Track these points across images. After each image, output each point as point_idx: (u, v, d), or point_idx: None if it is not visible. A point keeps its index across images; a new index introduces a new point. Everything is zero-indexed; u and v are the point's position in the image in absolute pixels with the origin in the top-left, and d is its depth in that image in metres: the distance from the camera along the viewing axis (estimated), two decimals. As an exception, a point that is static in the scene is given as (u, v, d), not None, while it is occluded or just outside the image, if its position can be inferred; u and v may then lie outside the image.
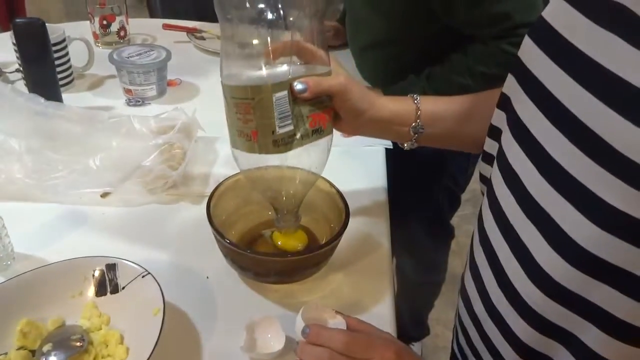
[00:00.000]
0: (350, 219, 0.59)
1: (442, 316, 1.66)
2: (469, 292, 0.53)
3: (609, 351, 0.38)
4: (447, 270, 1.42)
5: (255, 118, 0.52)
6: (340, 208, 0.61)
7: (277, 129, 0.52)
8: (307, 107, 0.54)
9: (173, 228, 0.69)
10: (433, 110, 0.62)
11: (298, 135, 0.53)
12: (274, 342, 0.52)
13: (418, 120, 0.61)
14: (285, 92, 0.52)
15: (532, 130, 0.41)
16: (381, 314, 0.58)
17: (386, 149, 0.90)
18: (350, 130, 0.62)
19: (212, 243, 0.59)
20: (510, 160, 0.44)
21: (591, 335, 0.39)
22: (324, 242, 0.57)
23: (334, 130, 0.60)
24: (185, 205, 0.73)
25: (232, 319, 0.56)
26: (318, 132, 0.56)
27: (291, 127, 0.53)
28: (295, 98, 0.53)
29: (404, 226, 1.30)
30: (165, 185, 0.73)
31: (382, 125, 0.62)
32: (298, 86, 0.53)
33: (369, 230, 0.71)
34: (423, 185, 1.15)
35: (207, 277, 0.61)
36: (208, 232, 0.58)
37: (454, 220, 1.29)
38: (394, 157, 0.92)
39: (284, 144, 0.53)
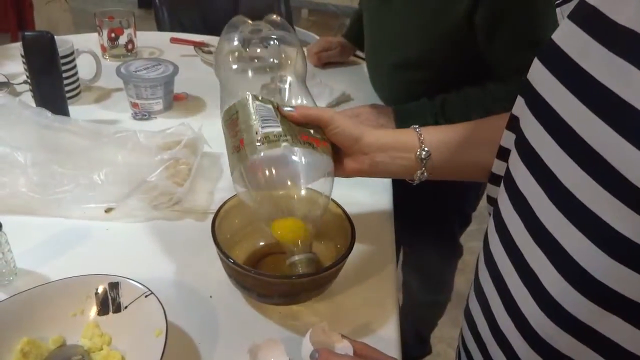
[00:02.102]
0: (355, 241, 0.58)
1: (444, 334, 1.64)
2: (473, 314, 0.52)
3: None
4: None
5: (240, 126, 0.55)
6: (347, 229, 0.61)
7: (260, 129, 0.54)
8: (298, 128, 0.57)
9: (177, 245, 0.68)
10: (437, 136, 0.62)
11: (287, 137, 0.54)
12: (278, 366, 0.51)
13: (423, 146, 0.60)
14: (269, 106, 0.57)
15: (542, 154, 0.41)
16: (386, 337, 0.58)
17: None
18: (359, 164, 0.61)
19: (216, 261, 0.59)
20: (519, 183, 0.44)
21: None
22: (329, 264, 0.56)
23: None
24: (190, 222, 0.72)
25: (235, 340, 0.55)
26: (311, 146, 0.56)
27: (277, 129, 0.54)
28: (285, 118, 0.56)
29: (414, 245, 1.29)
30: (170, 202, 0.73)
31: (387, 153, 0.61)
32: (286, 109, 0.57)
33: (374, 251, 0.70)
34: (435, 204, 1.14)
35: (210, 297, 0.61)
36: (212, 249, 0.57)
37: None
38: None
39: (268, 141, 0.53)
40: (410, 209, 1.09)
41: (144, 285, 0.53)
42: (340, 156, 0.61)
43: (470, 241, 1.72)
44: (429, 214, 1.15)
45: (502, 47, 0.86)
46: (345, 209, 0.63)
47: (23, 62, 0.92)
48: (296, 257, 0.55)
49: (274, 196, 0.56)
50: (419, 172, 0.61)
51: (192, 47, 1.28)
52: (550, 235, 0.39)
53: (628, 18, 0.34)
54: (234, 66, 0.65)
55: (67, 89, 0.93)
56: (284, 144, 0.54)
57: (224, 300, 0.60)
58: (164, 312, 0.51)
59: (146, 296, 0.53)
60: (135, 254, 0.66)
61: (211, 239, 0.57)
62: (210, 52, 1.26)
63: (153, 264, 0.64)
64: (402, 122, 0.94)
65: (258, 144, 0.53)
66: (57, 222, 0.70)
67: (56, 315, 0.52)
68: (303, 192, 0.56)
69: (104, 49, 1.19)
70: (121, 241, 0.68)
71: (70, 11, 3.33)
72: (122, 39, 1.19)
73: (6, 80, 1.00)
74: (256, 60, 0.65)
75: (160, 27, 1.68)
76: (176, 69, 0.98)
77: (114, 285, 0.54)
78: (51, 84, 0.86)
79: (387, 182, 0.85)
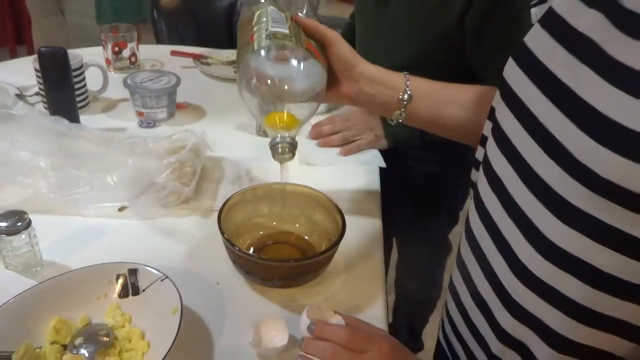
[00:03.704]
0: (346, 234, 0.65)
1: (435, 330, 1.71)
2: (456, 286, 0.60)
3: (573, 333, 0.45)
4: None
5: (253, 25, 0.61)
6: (338, 221, 0.68)
7: (269, 27, 0.60)
8: (305, 38, 0.62)
9: (185, 239, 0.75)
10: (422, 85, 0.68)
11: (293, 40, 0.60)
12: (278, 338, 0.58)
13: (407, 89, 0.66)
14: (283, 14, 0.63)
15: (513, 140, 0.48)
16: (374, 315, 0.65)
17: (385, 168, 0.97)
18: (349, 88, 0.67)
19: (221, 253, 0.66)
20: (494, 166, 0.51)
21: (558, 320, 0.45)
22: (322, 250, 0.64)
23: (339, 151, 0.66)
24: (196, 218, 0.79)
25: (240, 319, 0.62)
26: (312, 54, 0.61)
27: (285, 31, 0.60)
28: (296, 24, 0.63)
29: (406, 242, 1.36)
30: (177, 200, 0.80)
31: (374, 85, 0.67)
32: (300, 14, 0.63)
33: (363, 242, 0.77)
34: (425, 201, 1.20)
35: (217, 283, 0.68)
36: (217, 242, 0.65)
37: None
38: (396, 177, 0.99)
39: (276, 38, 0.59)
40: (402, 206, 1.17)
41: (159, 271, 0.61)
42: (333, 81, 0.66)
43: (458, 241, 1.80)
44: (420, 211, 1.22)
45: (486, 48, 0.89)
46: (338, 202, 0.70)
47: (37, 75, 1.00)
48: (278, 139, 0.59)
49: (271, 89, 0.60)
50: (397, 112, 0.68)
51: (191, 60, 1.35)
52: (520, 209, 0.47)
53: (586, 26, 0.42)
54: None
55: (77, 99, 1.01)
56: (289, 43, 0.59)
57: (229, 285, 0.67)
58: (179, 293, 0.58)
59: (162, 280, 0.60)
60: (147, 247, 0.73)
61: (216, 233, 0.64)
62: (208, 64, 1.34)
63: (164, 256, 0.71)
64: (388, 126, 1.01)
65: (265, 38, 0.59)
66: (75, 220, 0.76)
67: (82, 298, 0.59)
68: (297, 89, 0.61)
69: (108, 62, 1.26)
70: (134, 236, 0.75)
71: (67, 25, 3.39)
72: (126, 52, 1.26)
73: (19, 92, 1.07)
74: None
75: (159, 40, 1.76)
76: (178, 80, 1.06)
77: (133, 272, 0.61)
78: (64, 95, 0.93)
79: (376, 180, 0.93)
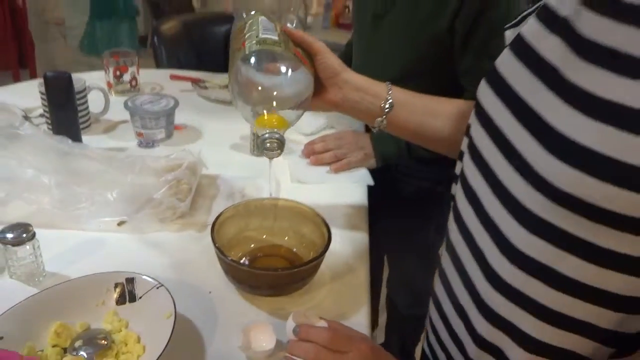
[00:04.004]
0: (334, 247, 0.69)
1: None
2: (438, 295, 0.64)
3: (544, 335, 0.49)
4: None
5: (245, 33, 0.65)
6: (324, 233, 0.72)
7: (260, 34, 0.64)
8: (293, 46, 0.67)
9: (180, 252, 0.79)
10: (403, 96, 0.72)
11: (282, 46, 0.64)
12: (266, 343, 0.62)
13: (389, 98, 0.70)
14: (272, 23, 0.67)
15: (485, 155, 0.53)
16: (359, 322, 0.69)
17: (375, 185, 1.02)
18: (334, 95, 0.71)
19: (214, 264, 0.70)
20: (470, 180, 0.56)
21: (529, 323, 0.49)
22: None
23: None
24: (191, 233, 0.84)
25: (231, 325, 0.66)
26: (299, 61, 0.65)
27: (274, 38, 0.64)
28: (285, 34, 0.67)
29: (397, 260, 1.40)
30: (173, 215, 0.84)
31: (358, 93, 0.71)
32: (289, 25, 0.68)
33: (349, 255, 0.81)
34: (414, 219, 1.24)
35: (210, 292, 0.71)
36: (210, 255, 0.69)
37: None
38: (386, 193, 1.03)
39: (265, 44, 0.63)
40: (392, 221, 1.21)
41: (155, 279, 0.65)
42: (319, 88, 0.71)
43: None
44: (409, 226, 1.25)
45: (472, 53, 0.95)
46: (326, 217, 0.74)
47: (42, 98, 1.05)
48: (267, 135, 0.62)
49: (261, 93, 0.64)
50: (379, 119, 0.72)
51: (189, 83, 1.41)
52: (492, 220, 0.51)
53: (548, 51, 0.47)
54: (252, 11, 0.73)
55: (79, 120, 1.06)
56: (278, 49, 0.63)
57: (221, 294, 0.71)
58: (173, 299, 0.62)
59: (157, 288, 0.64)
60: (144, 259, 0.77)
61: (209, 246, 0.68)
62: (206, 88, 1.40)
63: (160, 267, 0.75)
64: (378, 144, 1.06)
65: (256, 43, 0.63)
66: (76, 234, 0.81)
67: (82, 304, 0.63)
68: (285, 95, 0.65)
69: (109, 85, 1.32)
70: (132, 249, 0.79)
71: (69, 50, 3.49)
72: (127, 76, 1.32)
73: (24, 114, 1.12)
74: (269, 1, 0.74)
75: (159, 65, 1.82)
76: (177, 103, 1.11)
77: (130, 280, 0.65)
78: (67, 117, 0.98)
79: (364, 196, 0.97)
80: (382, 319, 1.61)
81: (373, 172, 1.05)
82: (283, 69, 0.65)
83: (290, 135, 1.17)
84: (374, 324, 1.62)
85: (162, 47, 1.82)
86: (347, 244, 0.83)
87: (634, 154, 0.38)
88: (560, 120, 0.44)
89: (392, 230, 1.22)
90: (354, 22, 1.23)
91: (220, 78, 1.45)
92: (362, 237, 0.86)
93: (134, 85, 1.34)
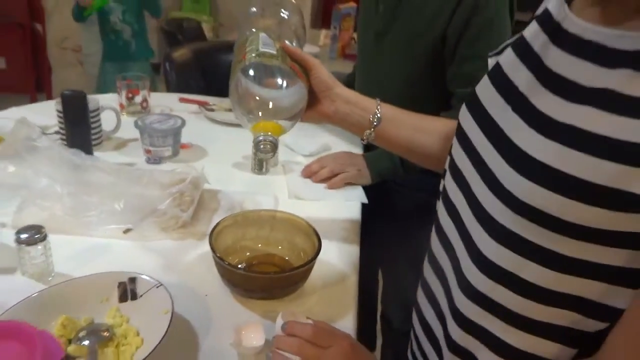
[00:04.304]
0: (326, 258, 0.74)
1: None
2: (420, 304, 0.68)
3: (511, 338, 0.53)
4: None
5: (246, 47, 0.70)
6: (315, 243, 0.77)
7: (260, 47, 0.69)
8: (290, 61, 0.72)
9: (180, 259, 0.84)
10: (391, 111, 0.78)
11: (279, 60, 0.69)
12: (256, 340, 0.66)
13: (377, 113, 0.76)
14: (272, 40, 0.72)
15: (464, 172, 0.58)
16: (345, 326, 0.73)
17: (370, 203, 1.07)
18: (326, 107, 0.76)
19: (211, 270, 0.75)
20: (450, 195, 0.61)
21: (497, 327, 0.54)
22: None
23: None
24: (192, 241, 0.89)
25: (224, 325, 0.70)
26: (295, 74, 0.71)
27: (273, 52, 0.69)
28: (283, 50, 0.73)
29: (391, 273, 1.43)
30: (176, 225, 0.90)
31: (349, 106, 0.76)
32: (287, 42, 0.74)
33: (340, 265, 0.86)
34: (408, 232, 1.29)
35: (206, 295, 0.76)
36: (208, 262, 0.74)
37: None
38: (381, 207, 1.08)
39: (264, 56, 0.68)
40: (386, 235, 1.26)
41: (155, 279, 0.70)
42: (313, 100, 0.76)
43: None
44: (403, 239, 1.29)
45: (458, 57, 1.04)
46: (321, 232, 0.79)
47: (58, 115, 1.12)
48: (261, 136, 0.67)
49: (258, 103, 0.69)
50: (367, 131, 0.77)
51: (197, 106, 1.49)
52: (467, 232, 0.56)
53: (519, 81, 0.53)
54: (253, 29, 0.78)
55: (92, 137, 1.13)
56: (275, 62, 0.69)
57: (216, 297, 0.76)
58: (171, 297, 0.66)
59: (157, 287, 0.69)
60: (146, 264, 0.82)
61: (207, 254, 0.74)
62: (212, 110, 1.47)
63: (161, 271, 0.80)
64: (372, 162, 1.12)
65: (255, 56, 0.68)
66: (85, 239, 0.86)
67: (87, 300, 0.68)
68: (281, 105, 0.70)
69: (122, 106, 1.39)
70: (136, 255, 0.84)
71: (85, 75, 3.61)
72: (138, 98, 1.40)
73: (41, 130, 1.19)
74: (269, 21, 0.80)
75: (170, 89, 1.91)
76: (183, 123, 1.18)
77: (132, 280, 0.70)
78: (81, 132, 1.05)
79: (357, 212, 1.02)
80: (379, 342, 1.63)
81: (369, 185, 1.11)
82: (280, 81, 0.70)
83: (290, 156, 1.24)
84: (370, 346, 1.64)
85: (173, 72, 1.91)
86: (339, 255, 0.88)
87: (584, 170, 0.44)
88: (522, 139, 0.50)
89: (387, 242, 1.27)
90: (358, 43, 1.33)
91: (226, 102, 1.52)
92: (353, 249, 0.90)
93: (144, 107, 1.41)
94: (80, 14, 2.64)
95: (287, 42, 0.75)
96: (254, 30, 0.75)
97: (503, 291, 0.52)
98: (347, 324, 0.74)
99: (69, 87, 1.14)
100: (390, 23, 1.12)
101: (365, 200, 1.07)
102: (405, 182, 1.21)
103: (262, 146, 0.68)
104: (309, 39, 3.23)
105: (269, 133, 0.68)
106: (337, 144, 1.32)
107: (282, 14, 0.81)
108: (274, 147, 0.69)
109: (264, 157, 0.69)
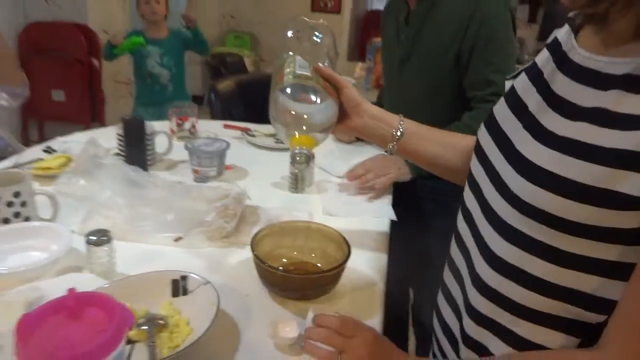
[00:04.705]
0: (356, 265, 0.82)
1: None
2: (440, 306, 0.76)
3: (520, 329, 0.60)
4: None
5: (284, 69, 0.80)
6: (345, 250, 0.85)
7: (296, 70, 0.78)
8: (324, 82, 0.81)
9: (224, 264, 0.94)
10: (413, 127, 0.86)
11: (314, 80, 0.78)
12: (291, 333, 0.74)
13: (400, 128, 0.84)
14: (307, 63, 0.81)
15: (479, 182, 0.66)
16: (372, 325, 0.80)
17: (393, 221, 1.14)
18: (355, 121, 0.84)
19: (251, 274, 0.84)
20: (467, 204, 0.69)
21: (506, 319, 0.61)
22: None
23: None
24: (234, 249, 0.98)
25: (263, 320, 0.79)
26: (327, 92, 0.79)
27: (308, 74, 0.77)
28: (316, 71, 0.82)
29: (421, 279, 1.49)
30: (220, 235, 1.00)
31: (375, 121, 0.84)
32: (320, 64, 0.83)
33: (369, 272, 0.93)
34: (435, 234, 1.36)
35: (247, 295, 0.85)
36: (249, 267, 0.84)
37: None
38: (410, 210, 1.19)
39: (300, 78, 0.77)
40: (413, 237, 1.33)
41: (203, 278, 0.79)
42: (343, 115, 0.84)
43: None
44: (428, 239, 1.36)
45: (472, 66, 1.23)
46: (351, 242, 0.87)
47: (118, 138, 1.26)
48: (297, 150, 0.76)
49: (295, 119, 0.78)
50: (390, 144, 0.84)
51: (239, 132, 1.61)
52: (480, 234, 0.64)
53: (530, 102, 0.62)
54: (290, 52, 0.87)
55: (147, 158, 1.25)
56: (310, 82, 0.78)
57: (256, 296, 0.84)
58: (217, 292, 0.76)
59: (205, 284, 0.78)
60: (195, 268, 0.91)
61: (248, 260, 0.83)
62: (253, 135, 1.59)
63: (207, 274, 0.88)
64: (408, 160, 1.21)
65: (292, 77, 0.77)
66: (141, 245, 0.97)
67: (145, 294, 0.78)
68: (315, 120, 0.78)
69: (172, 131, 1.53)
70: (185, 260, 0.94)
71: (131, 106, 3.87)
72: (187, 124, 1.53)
73: (107, 150, 1.33)
74: (305, 44, 0.90)
75: (214, 118, 2.05)
76: (228, 145, 1.30)
77: (184, 277, 0.80)
78: (138, 153, 1.18)
79: (386, 225, 1.10)
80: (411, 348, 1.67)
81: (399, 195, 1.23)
82: (313, 98, 0.79)
83: (324, 176, 1.33)
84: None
85: (218, 102, 2.06)
86: (368, 263, 0.95)
87: (578, 174, 0.51)
88: (529, 151, 0.58)
89: (413, 248, 1.34)
90: (383, 70, 1.53)
91: (266, 128, 1.64)
92: (382, 258, 0.98)
93: (192, 132, 1.55)
94: (110, 52, 2.56)
95: (319, 62, 0.84)
96: (290, 53, 0.84)
97: (511, 285, 0.59)
98: (374, 324, 0.81)
99: (119, 114, 1.29)
100: (412, 50, 1.32)
101: (394, 217, 1.15)
102: (432, 190, 1.31)
103: (297, 158, 0.77)
104: (346, 71, 3.38)
105: (304, 147, 0.77)
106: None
107: (315, 37, 0.90)
108: (308, 159, 0.77)
109: (299, 167, 0.78)
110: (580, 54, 0.57)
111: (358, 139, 1.58)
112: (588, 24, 0.58)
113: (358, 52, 5.43)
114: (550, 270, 0.56)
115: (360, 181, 1.23)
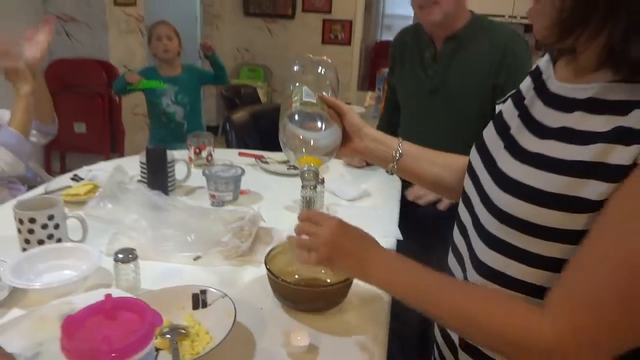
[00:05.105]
0: (360, 284, 0.86)
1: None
2: (450, 264, 0.82)
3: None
4: None
5: (292, 97, 0.88)
6: (353, 265, 0.92)
7: (303, 98, 0.86)
8: (328, 109, 0.89)
9: (240, 280, 1.01)
10: (411, 148, 0.93)
11: (319, 107, 0.86)
12: (302, 342, 0.80)
13: (399, 149, 0.91)
14: (312, 92, 0.89)
15: (471, 198, 0.74)
16: (378, 338, 0.85)
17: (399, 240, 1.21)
18: (357, 144, 0.92)
19: (265, 290, 0.91)
20: (461, 216, 0.77)
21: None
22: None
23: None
24: (249, 267, 1.05)
25: (276, 331, 0.85)
26: (331, 118, 0.86)
27: (314, 101, 0.86)
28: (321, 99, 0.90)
29: None
30: (236, 254, 1.07)
31: (376, 143, 0.91)
32: (324, 93, 0.91)
33: (374, 288, 0.99)
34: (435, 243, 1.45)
35: (261, 308, 0.91)
36: (263, 283, 0.90)
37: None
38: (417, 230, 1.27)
39: (307, 105, 0.85)
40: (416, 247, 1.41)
41: (221, 291, 0.86)
42: (346, 139, 0.91)
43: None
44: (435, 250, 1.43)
45: (501, 93, 1.41)
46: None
47: (141, 166, 1.35)
48: (305, 167, 0.83)
49: (302, 142, 0.84)
50: (391, 165, 0.92)
51: (253, 159, 1.70)
52: (470, 241, 0.71)
53: (512, 125, 0.70)
54: (297, 83, 0.95)
55: (168, 184, 1.34)
56: (315, 109, 0.85)
57: (270, 309, 0.91)
58: (234, 304, 0.82)
59: (223, 297, 0.85)
60: (212, 284, 0.98)
61: (263, 277, 0.90)
62: (267, 162, 1.68)
63: (224, 290, 0.96)
64: None
65: (299, 105, 0.85)
66: (163, 264, 1.04)
67: (168, 307, 0.84)
68: (321, 144, 0.85)
69: (190, 159, 1.62)
70: (204, 277, 1.01)
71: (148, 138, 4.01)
72: (204, 153, 1.62)
73: (132, 177, 1.42)
74: (309, 76, 0.98)
75: (229, 146, 2.15)
76: (243, 172, 1.38)
77: (203, 291, 0.87)
78: (160, 179, 1.27)
79: (392, 244, 1.16)
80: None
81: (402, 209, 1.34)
82: (319, 124, 0.86)
83: (334, 200, 1.40)
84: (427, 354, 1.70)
85: (233, 132, 2.16)
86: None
87: (545, 183, 0.58)
88: (507, 167, 0.65)
89: (420, 260, 1.43)
90: (405, 101, 1.74)
91: (279, 155, 1.72)
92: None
93: (209, 160, 1.63)
94: (123, 88, 2.50)
95: (324, 92, 0.92)
96: (297, 84, 0.93)
97: (493, 287, 0.66)
98: (380, 333, 0.86)
99: (140, 148, 1.38)
100: (441, 84, 1.53)
101: (400, 237, 1.21)
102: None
103: (306, 175, 0.84)
104: (356, 101, 3.49)
105: (312, 164, 0.84)
106: (376, 189, 1.48)
107: (319, 70, 0.99)
108: (316, 175, 0.84)
109: (308, 184, 0.84)
110: (554, 84, 0.65)
111: (368, 164, 1.67)
112: (560, 56, 0.66)
113: (368, 81, 5.56)
114: (533, 273, 0.62)
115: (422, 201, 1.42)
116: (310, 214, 0.80)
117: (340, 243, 0.75)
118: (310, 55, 1.00)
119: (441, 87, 1.59)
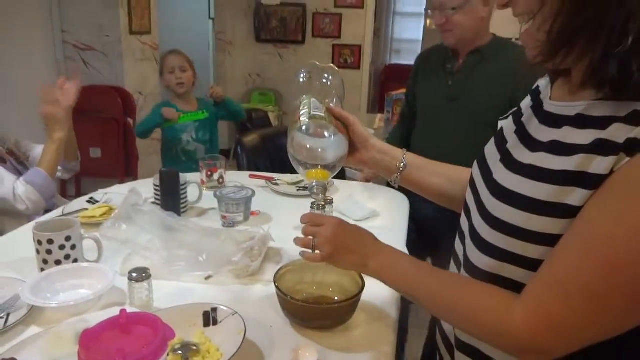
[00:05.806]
0: (370, 299, 0.90)
1: None
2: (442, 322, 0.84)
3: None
4: None
5: (300, 110, 0.90)
6: (359, 283, 0.93)
7: (311, 111, 0.88)
8: (335, 121, 0.91)
9: (250, 299, 1.03)
10: (415, 160, 0.96)
11: (326, 120, 0.88)
12: (310, 358, 0.82)
13: (404, 160, 0.94)
14: (320, 104, 0.91)
15: (469, 206, 0.77)
16: (384, 351, 0.87)
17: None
18: (363, 155, 0.94)
19: (275, 308, 0.93)
20: (462, 226, 0.80)
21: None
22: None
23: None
24: (259, 287, 1.07)
25: (285, 347, 0.87)
26: (338, 130, 0.89)
27: (321, 114, 0.88)
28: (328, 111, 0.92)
29: None
30: (246, 273, 1.09)
31: (381, 154, 0.94)
32: (331, 104, 0.94)
33: (383, 304, 1.01)
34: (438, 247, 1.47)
35: (271, 326, 0.93)
36: (272, 301, 0.92)
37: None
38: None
39: (315, 118, 0.87)
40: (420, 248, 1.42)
41: (232, 309, 0.88)
42: (353, 149, 0.94)
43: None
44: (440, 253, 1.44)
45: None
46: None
47: (155, 188, 1.39)
48: (314, 183, 0.84)
49: (310, 153, 0.86)
50: (395, 175, 0.94)
51: (264, 181, 1.73)
52: (467, 250, 0.73)
53: (509, 140, 0.73)
54: (304, 95, 0.98)
55: (180, 206, 1.37)
56: (323, 122, 0.88)
57: (279, 327, 0.93)
58: (244, 321, 0.84)
59: (233, 315, 0.87)
60: (223, 303, 1.00)
61: (272, 296, 0.92)
62: (277, 184, 1.71)
63: (234, 308, 0.98)
64: None
65: (307, 118, 0.87)
66: (175, 283, 1.07)
67: (180, 324, 0.86)
68: (328, 155, 0.87)
69: (202, 182, 1.66)
70: (215, 296, 1.04)
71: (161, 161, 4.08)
72: (216, 175, 1.66)
73: (146, 198, 1.46)
74: (316, 84, 1.00)
75: (240, 169, 2.19)
76: (254, 193, 1.41)
77: (214, 309, 0.89)
78: (173, 201, 1.30)
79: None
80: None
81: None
82: (326, 135, 0.89)
83: (343, 219, 1.42)
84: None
85: (244, 154, 2.20)
86: (382, 296, 1.03)
87: (534, 191, 0.62)
88: (501, 177, 0.69)
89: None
90: (423, 108, 1.83)
91: (289, 177, 1.76)
92: (393, 293, 1.05)
93: (221, 182, 1.67)
94: (153, 127, 2.40)
95: (328, 100, 0.94)
96: (304, 96, 0.95)
97: (506, 239, 0.67)
98: (386, 349, 0.88)
99: (153, 172, 1.42)
100: (461, 92, 1.64)
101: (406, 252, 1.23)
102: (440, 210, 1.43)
103: (315, 190, 0.87)
104: (366, 123, 3.53)
105: (320, 180, 0.87)
106: (384, 210, 1.50)
107: (324, 78, 1.02)
108: (324, 189, 0.87)
109: (316, 198, 0.87)
110: (549, 104, 0.68)
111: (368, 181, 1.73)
112: (557, 77, 0.69)
113: (377, 104, 5.62)
114: (525, 275, 0.65)
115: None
116: (310, 216, 0.85)
117: (342, 240, 0.81)
118: (317, 63, 1.02)
119: (461, 95, 1.68)
